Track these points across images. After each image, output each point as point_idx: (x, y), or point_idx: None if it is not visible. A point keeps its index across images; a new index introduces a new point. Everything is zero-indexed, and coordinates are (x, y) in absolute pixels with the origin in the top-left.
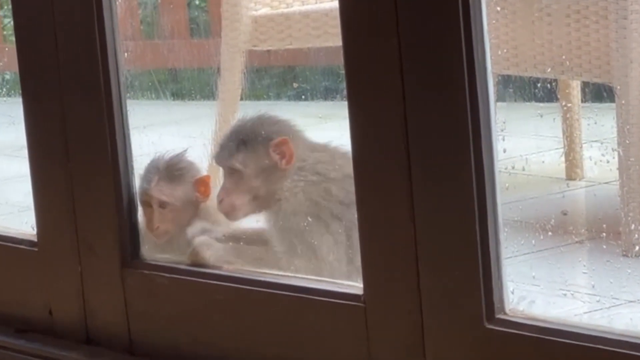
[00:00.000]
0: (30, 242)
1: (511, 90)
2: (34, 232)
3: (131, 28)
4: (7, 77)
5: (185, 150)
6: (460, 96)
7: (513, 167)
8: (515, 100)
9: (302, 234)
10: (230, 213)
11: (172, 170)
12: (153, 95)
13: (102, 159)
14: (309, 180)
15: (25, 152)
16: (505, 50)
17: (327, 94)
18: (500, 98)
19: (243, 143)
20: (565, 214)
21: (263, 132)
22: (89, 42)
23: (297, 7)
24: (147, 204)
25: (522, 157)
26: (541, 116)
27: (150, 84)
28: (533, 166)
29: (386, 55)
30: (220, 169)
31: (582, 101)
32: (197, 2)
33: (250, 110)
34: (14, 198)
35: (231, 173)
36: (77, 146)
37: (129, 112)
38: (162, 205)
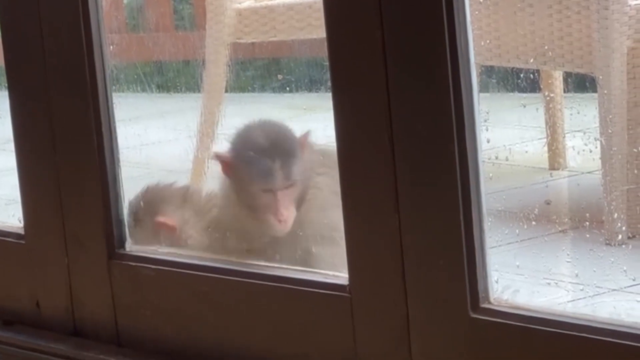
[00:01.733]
0: (17, 235)
1: (494, 80)
2: (21, 224)
3: (116, 21)
4: None
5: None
6: (444, 87)
7: (497, 157)
8: (499, 91)
9: (336, 225)
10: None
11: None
12: (139, 88)
13: (88, 152)
14: (330, 175)
15: (11, 146)
16: (488, 41)
17: (312, 86)
18: (483, 89)
19: (286, 154)
20: (548, 204)
21: (291, 136)
22: (74, 36)
23: (280, 0)
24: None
25: (506, 147)
26: (524, 106)
27: (135, 76)
28: (516, 156)
29: (370, 47)
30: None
31: (564, 91)
32: None
33: (234, 102)
34: (1, 191)
35: (287, 188)
36: (64, 139)
37: (114, 105)
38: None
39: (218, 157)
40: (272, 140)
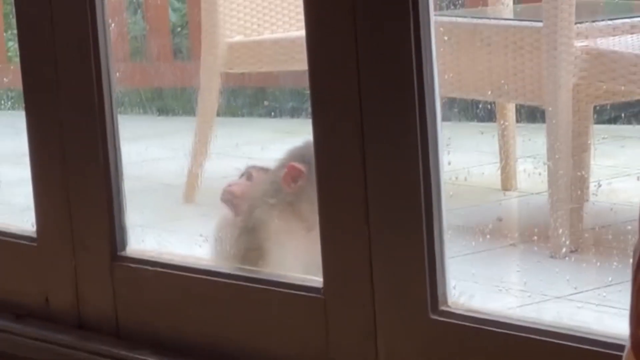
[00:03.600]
0: (30, 238)
1: (456, 110)
2: (34, 229)
3: (122, 51)
4: (11, 93)
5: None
6: (412, 115)
7: (457, 178)
8: (459, 120)
9: None
10: None
11: None
12: (141, 111)
13: (95, 166)
14: None
15: (26, 159)
16: (450, 75)
17: (294, 112)
18: (445, 117)
19: None
20: (500, 220)
21: None
22: (85, 63)
23: (267, 35)
24: None
25: (465, 169)
26: (482, 133)
27: (138, 100)
28: (474, 177)
29: (346, 80)
30: None
31: (517, 121)
32: (179, 29)
33: (225, 125)
34: (16, 199)
35: None
36: (73, 154)
37: (119, 125)
38: None
39: (295, 167)
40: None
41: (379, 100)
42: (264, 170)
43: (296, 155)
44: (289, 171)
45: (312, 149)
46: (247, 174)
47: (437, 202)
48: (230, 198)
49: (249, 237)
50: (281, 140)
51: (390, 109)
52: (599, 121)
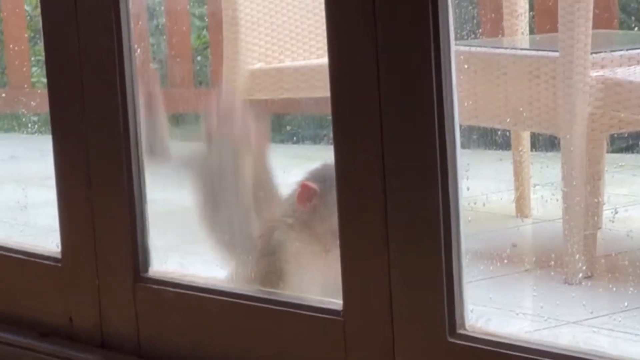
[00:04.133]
0: (55, 259)
1: (475, 137)
2: (59, 250)
3: (145, 77)
4: (37, 117)
5: None
6: (432, 142)
7: (475, 204)
8: (478, 147)
9: None
10: None
11: None
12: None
13: (119, 188)
14: None
15: (52, 182)
16: (469, 104)
17: (314, 138)
18: (464, 145)
19: None
20: (515, 246)
21: None
22: (111, 88)
23: (288, 63)
24: None
25: (483, 195)
26: (500, 160)
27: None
28: (491, 204)
29: (367, 106)
30: None
31: (532, 149)
32: (199, 58)
33: None
34: (42, 221)
35: None
36: (98, 177)
37: (143, 149)
38: None
39: (310, 188)
40: None
41: (400, 127)
42: None
43: (313, 175)
44: (302, 190)
45: (328, 170)
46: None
47: (456, 227)
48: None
49: (269, 259)
50: (302, 166)
51: (411, 135)
52: (614, 150)
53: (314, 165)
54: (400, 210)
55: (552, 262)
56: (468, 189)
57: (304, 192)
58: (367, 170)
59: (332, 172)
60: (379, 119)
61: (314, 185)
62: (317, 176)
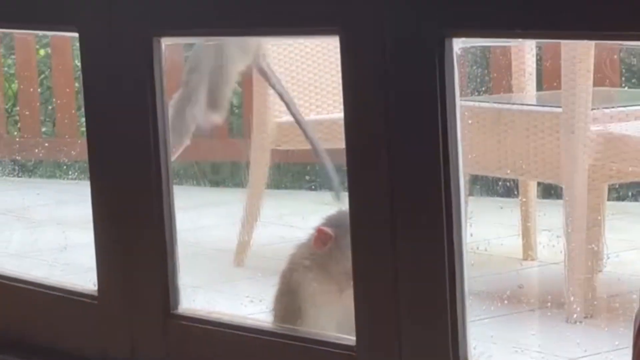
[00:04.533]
0: (91, 297)
1: (478, 186)
2: (95, 288)
3: None
4: (79, 164)
5: None
6: (438, 190)
7: (478, 248)
8: (482, 195)
9: None
10: None
11: None
12: (195, 182)
13: (152, 232)
14: None
15: (91, 225)
16: (475, 155)
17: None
18: (470, 193)
19: None
20: (522, 287)
21: None
22: (144, 138)
23: (312, 116)
24: None
25: (486, 240)
26: (501, 208)
27: (193, 173)
28: (494, 248)
29: (378, 157)
30: None
31: (536, 196)
32: (234, 109)
33: (272, 197)
34: (81, 261)
35: None
36: (132, 220)
37: (174, 195)
38: None
39: (324, 232)
40: None
41: (408, 177)
42: None
43: (330, 221)
44: (318, 235)
45: (343, 216)
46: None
47: (460, 270)
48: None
49: (288, 298)
50: (321, 211)
51: (419, 183)
52: (612, 198)
53: (331, 211)
54: (408, 254)
55: (552, 303)
56: (472, 234)
57: (320, 237)
58: (378, 217)
59: (347, 218)
60: (388, 169)
61: (329, 230)
62: (332, 222)
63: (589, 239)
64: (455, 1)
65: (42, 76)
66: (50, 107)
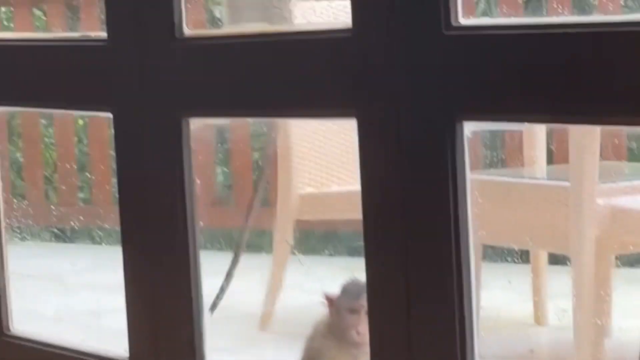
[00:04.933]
0: None
1: (490, 254)
2: (127, 354)
3: (208, 196)
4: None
5: None
6: (449, 260)
7: (497, 315)
8: (496, 261)
9: None
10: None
11: None
12: (222, 247)
13: (179, 297)
14: None
15: (122, 290)
16: (488, 225)
17: (352, 252)
18: (483, 259)
19: None
20: (532, 352)
21: None
22: (173, 209)
23: (334, 188)
24: (353, 311)
25: (498, 305)
26: (515, 274)
27: (221, 239)
28: (506, 313)
29: (393, 228)
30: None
31: (547, 263)
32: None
33: (296, 263)
34: (114, 325)
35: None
36: (161, 285)
37: (201, 260)
38: None
39: (327, 297)
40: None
41: (422, 246)
42: None
43: (345, 289)
44: (325, 300)
45: (349, 283)
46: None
47: (470, 335)
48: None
49: None
50: (342, 276)
51: (432, 254)
52: (624, 264)
53: (347, 279)
54: (421, 318)
55: None
56: (484, 299)
57: (325, 302)
58: (393, 285)
59: (353, 285)
60: (403, 239)
61: (330, 295)
62: (341, 288)
63: (597, 306)
64: (465, 88)
65: (80, 145)
66: (87, 175)
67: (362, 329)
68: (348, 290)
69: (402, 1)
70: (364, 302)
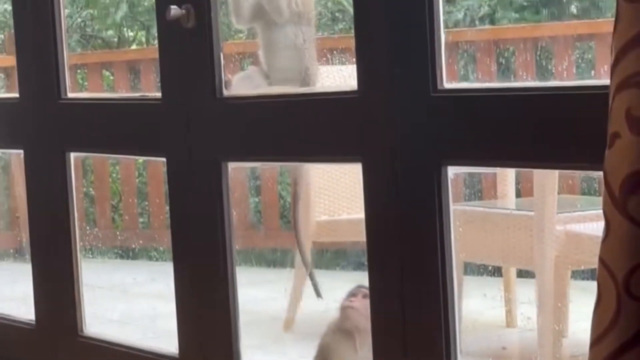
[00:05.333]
0: (173, 358)
1: (469, 269)
2: (177, 351)
3: (243, 222)
4: (163, 248)
5: None
6: (436, 272)
7: (474, 318)
8: (474, 275)
9: None
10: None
11: None
12: (254, 264)
13: (220, 304)
14: None
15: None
16: (472, 247)
17: (359, 268)
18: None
19: None
20: (505, 349)
21: None
22: (214, 233)
23: (344, 216)
24: (353, 295)
25: (477, 311)
26: (489, 286)
27: (253, 258)
28: (483, 317)
29: (391, 246)
30: None
31: (516, 278)
32: (286, 211)
33: (316, 275)
34: (167, 327)
35: (364, 297)
36: (205, 293)
37: (237, 274)
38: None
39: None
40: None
41: (414, 263)
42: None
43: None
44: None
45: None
46: (363, 293)
47: (454, 335)
48: (351, 312)
49: (322, 351)
50: (349, 287)
51: (421, 269)
52: (579, 278)
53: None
54: (414, 320)
55: None
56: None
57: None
58: (391, 293)
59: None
60: (399, 257)
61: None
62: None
63: (556, 312)
64: (449, 139)
65: (141, 179)
66: (146, 204)
67: (356, 304)
68: (350, 290)
69: (398, 68)
70: (362, 289)
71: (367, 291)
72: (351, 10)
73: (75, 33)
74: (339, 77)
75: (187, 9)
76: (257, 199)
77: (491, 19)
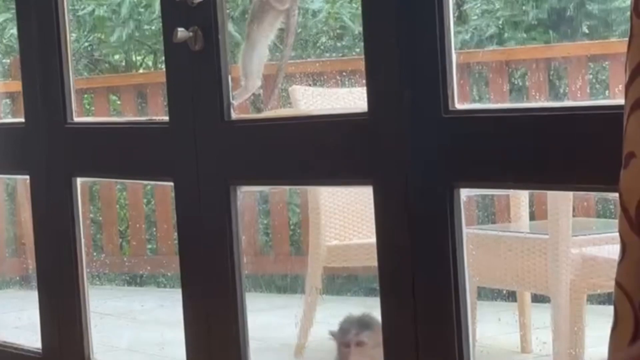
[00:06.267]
0: None
1: (483, 295)
2: None
3: (252, 247)
4: (171, 274)
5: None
6: (449, 297)
7: (488, 345)
8: (488, 299)
9: None
10: None
11: (367, 320)
12: (265, 289)
13: (229, 330)
14: None
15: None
16: (481, 272)
17: (370, 293)
18: (479, 298)
19: (366, 325)
20: None
21: (375, 321)
22: (223, 258)
23: (355, 241)
24: (345, 345)
25: (491, 336)
26: (504, 311)
27: (263, 284)
28: (497, 343)
29: (404, 277)
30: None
31: (531, 302)
32: (296, 235)
33: (324, 302)
34: (176, 354)
35: (358, 345)
36: (214, 320)
37: (246, 300)
38: (360, 344)
39: (331, 333)
40: (358, 318)
41: (426, 288)
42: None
43: (340, 326)
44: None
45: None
46: (355, 342)
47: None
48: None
49: None
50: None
51: (434, 294)
52: (591, 303)
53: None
54: (427, 347)
55: None
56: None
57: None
58: (403, 319)
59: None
60: (411, 282)
61: (333, 332)
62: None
63: (572, 337)
64: (461, 161)
65: (149, 205)
66: (154, 230)
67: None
68: (342, 327)
69: (409, 89)
70: (353, 336)
71: (358, 339)
72: (353, 26)
73: (82, 57)
74: (350, 99)
75: (194, 31)
76: (265, 222)
77: (499, 39)
